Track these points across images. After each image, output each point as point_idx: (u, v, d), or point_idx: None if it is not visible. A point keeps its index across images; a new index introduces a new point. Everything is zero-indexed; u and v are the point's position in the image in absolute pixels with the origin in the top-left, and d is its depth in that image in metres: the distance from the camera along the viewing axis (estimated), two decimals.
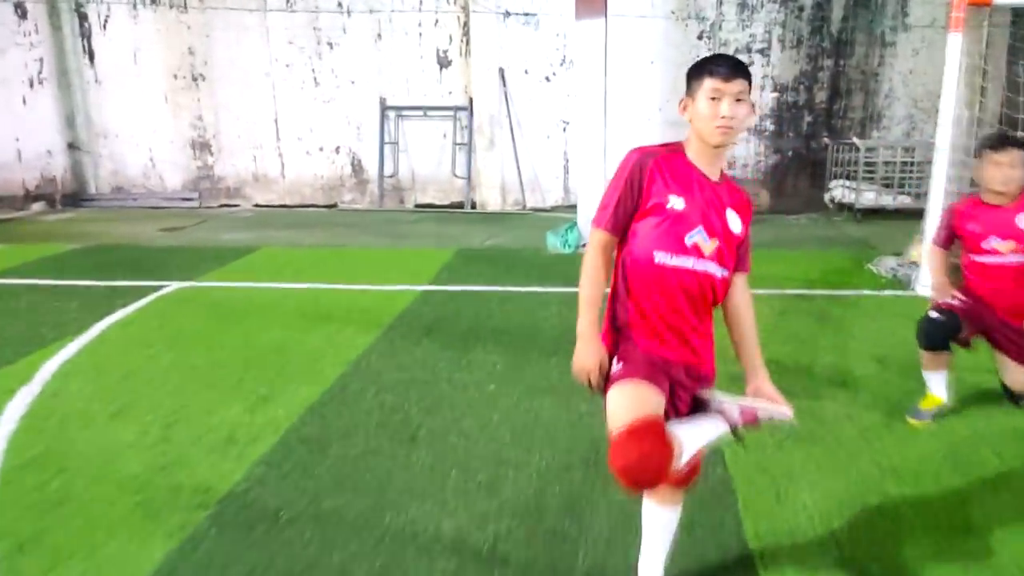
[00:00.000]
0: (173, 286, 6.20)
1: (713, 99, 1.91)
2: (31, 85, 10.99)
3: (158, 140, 11.34)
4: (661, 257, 1.97)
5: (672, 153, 2.02)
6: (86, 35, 11.02)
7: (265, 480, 3.07)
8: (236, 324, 5.17)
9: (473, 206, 10.84)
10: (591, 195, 7.74)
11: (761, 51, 10.31)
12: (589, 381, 1.98)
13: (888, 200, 9.23)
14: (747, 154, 10.67)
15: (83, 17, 10.97)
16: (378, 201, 11.02)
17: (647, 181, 1.97)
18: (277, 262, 7.21)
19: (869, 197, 9.15)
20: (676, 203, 1.96)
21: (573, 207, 9.09)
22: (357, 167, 11.22)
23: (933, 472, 3.08)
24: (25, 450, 3.33)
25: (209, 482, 3.06)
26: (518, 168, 10.81)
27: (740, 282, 2.14)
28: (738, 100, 1.92)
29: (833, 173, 9.99)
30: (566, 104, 10.43)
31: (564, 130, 10.73)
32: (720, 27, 10.20)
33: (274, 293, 6.00)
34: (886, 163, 9.37)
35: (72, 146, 11.33)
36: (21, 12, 10.76)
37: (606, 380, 1.99)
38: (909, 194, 9.33)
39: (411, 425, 3.59)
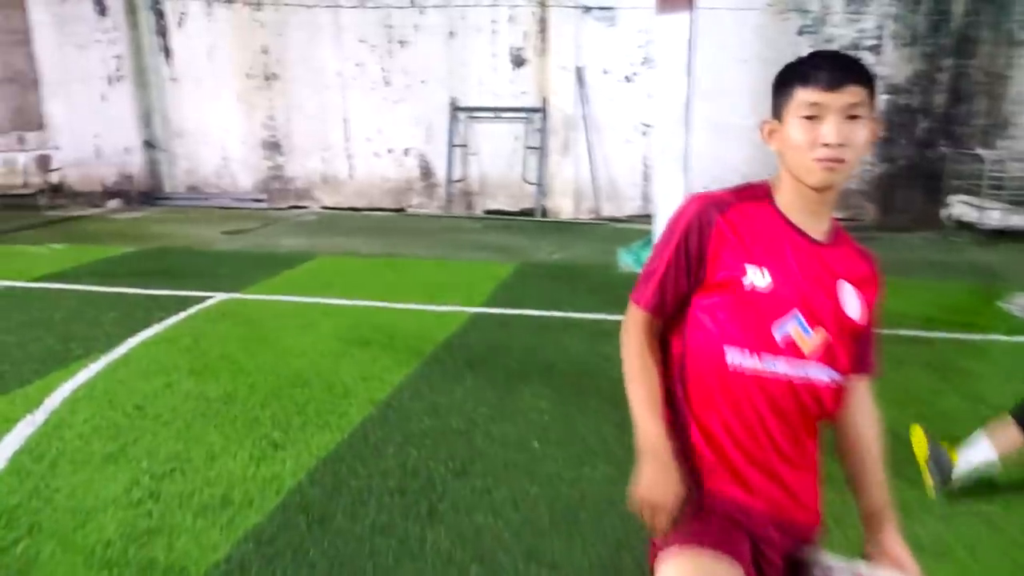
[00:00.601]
0: (217, 298, 5.87)
1: (810, 118, 1.27)
2: (110, 82, 11.10)
3: (231, 139, 11.26)
4: (736, 357, 1.33)
5: (752, 202, 1.38)
6: (163, 32, 11.04)
7: (248, 563, 2.56)
8: (268, 347, 4.75)
9: (544, 214, 10.24)
10: (669, 207, 7.00)
11: (871, 48, 9.23)
12: (653, 520, 1.35)
13: (1019, 221, 8.04)
14: None
15: (160, 14, 10.99)
16: (445, 206, 10.57)
17: (712, 245, 1.34)
18: (329, 273, 6.81)
19: (995, 216, 7.99)
20: (758, 277, 1.33)
21: (651, 217, 8.34)
22: (426, 170, 10.81)
23: None
24: (5, 498, 2.95)
25: (186, 559, 2.59)
26: (593, 174, 10.12)
27: (860, 390, 1.47)
28: (851, 118, 1.26)
29: (952, 187, 8.82)
30: (647, 106, 9.66)
31: (644, 134, 9.96)
32: (825, 21, 9.19)
33: (317, 310, 5.57)
34: (1014, 177, 8.17)
35: (148, 144, 11.40)
36: (101, 9, 10.86)
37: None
38: None
39: (433, 493, 3.02)
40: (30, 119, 11.44)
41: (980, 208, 8.06)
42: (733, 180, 7.31)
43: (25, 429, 3.54)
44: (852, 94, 1.26)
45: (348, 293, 5.99)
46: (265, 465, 3.25)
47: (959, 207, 8.58)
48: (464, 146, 10.48)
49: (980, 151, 8.29)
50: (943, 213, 8.94)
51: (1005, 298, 5.69)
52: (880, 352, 1.50)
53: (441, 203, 10.69)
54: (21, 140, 11.43)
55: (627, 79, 9.92)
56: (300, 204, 11.16)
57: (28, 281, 6.41)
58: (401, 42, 10.43)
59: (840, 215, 10.36)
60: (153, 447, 3.40)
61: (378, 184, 10.95)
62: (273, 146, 11.17)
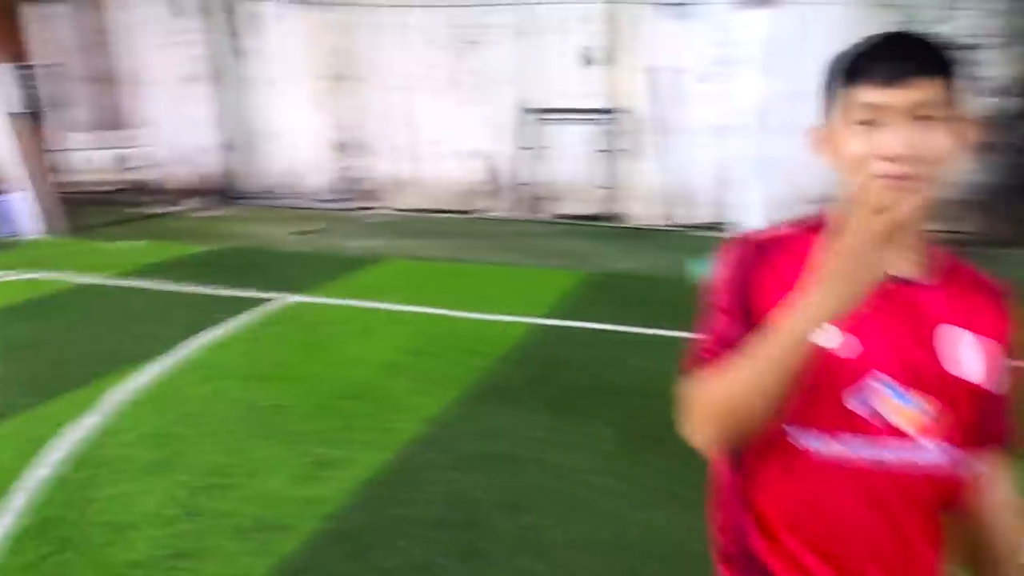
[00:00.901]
0: (280, 300, 5.84)
1: (866, 124, 0.97)
2: (192, 83, 11.39)
3: (304, 140, 11.38)
4: (804, 440, 1.02)
5: (809, 233, 1.06)
6: (241, 34, 11.26)
7: None
8: (324, 354, 4.64)
9: (615, 219, 9.90)
10: (745, 215, 6.58)
11: (970, 47, 8.49)
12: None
13: None
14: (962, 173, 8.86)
15: (237, 16, 11.21)
16: (513, 210, 10.37)
17: (757, 299, 1.04)
18: (393, 277, 6.71)
19: None
20: (822, 334, 1.00)
21: (726, 224, 7.92)
22: (494, 173, 10.63)
23: None
24: (43, 508, 2.91)
25: None
26: (667, 178, 9.71)
27: (992, 471, 1.12)
28: (922, 119, 0.95)
29: None
30: (724, 108, 9.19)
31: (720, 137, 9.48)
32: (918, 17, 8.51)
33: (377, 317, 5.45)
34: None
35: (227, 145, 11.65)
36: (180, 10, 11.16)
37: None
38: None
39: (475, 528, 2.80)
40: (119, 118, 11.88)
41: None
42: (820, 190, 6.77)
43: (75, 434, 3.52)
44: (922, 89, 0.94)
45: (409, 299, 5.85)
46: (307, 485, 3.10)
47: None
48: (533, 148, 10.25)
49: None
50: None
51: None
52: (1018, 417, 1.17)
53: (509, 206, 10.50)
54: (108, 139, 11.89)
55: (703, 79, 9.46)
56: (369, 205, 11.18)
57: (105, 278, 6.56)
58: (471, 42, 10.28)
59: (936, 228, 9.51)
60: (196, 459, 3.31)
61: (446, 186, 10.85)
62: (344, 147, 11.22)
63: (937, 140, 0.95)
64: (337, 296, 5.98)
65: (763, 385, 0.94)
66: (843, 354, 1.00)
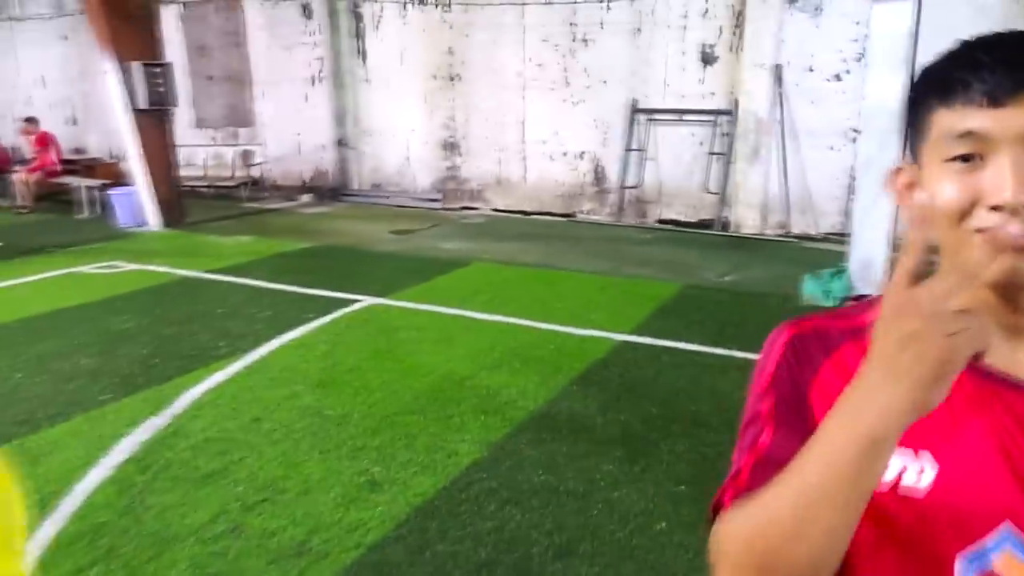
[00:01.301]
0: (365, 301, 5.81)
1: (965, 159, 0.67)
2: (312, 83, 11.76)
3: (414, 139, 11.48)
4: None
5: None
6: (361, 35, 11.49)
7: None
8: (398, 362, 4.53)
9: (725, 227, 9.30)
10: (868, 230, 5.93)
11: None
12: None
13: None
14: None
15: (359, 17, 11.43)
16: (617, 214, 9.98)
17: (813, 405, 0.74)
18: (481, 282, 6.55)
19: None
20: (913, 473, 0.70)
21: (848, 237, 7.21)
22: (600, 175, 10.28)
23: None
24: (94, 514, 2.91)
25: None
26: (786, 184, 9.01)
27: None
28: None
29: None
30: (856, 109, 8.40)
31: (854, 141, 8.68)
32: None
33: (458, 324, 5.30)
34: None
35: (341, 143, 11.95)
36: (307, 13, 11.52)
37: None
38: None
39: (527, 575, 2.55)
40: (242, 116, 12.45)
41: None
42: None
43: (143, 434, 3.56)
44: None
45: (493, 307, 5.66)
46: (355, 508, 2.96)
47: None
48: (643, 150, 9.81)
49: None
50: None
51: None
52: None
53: (613, 210, 10.12)
54: (233, 135, 12.49)
55: (836, 78, 8.70)
56: (472, 205, 11.12)
57: (208, 272, 6.79)
58: (585, 40, 9.97)
59: None
60: (254, 470, 3.25)
61: (550, 188, 10.61)
62: (451, 146, 11.22)
63: None
64: (421, 300, 5.87)
65: (805, 526, 0.61)
66: (945, 499, 0.68)
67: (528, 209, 10.69)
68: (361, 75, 11.67)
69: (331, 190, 11.91)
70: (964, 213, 0.66)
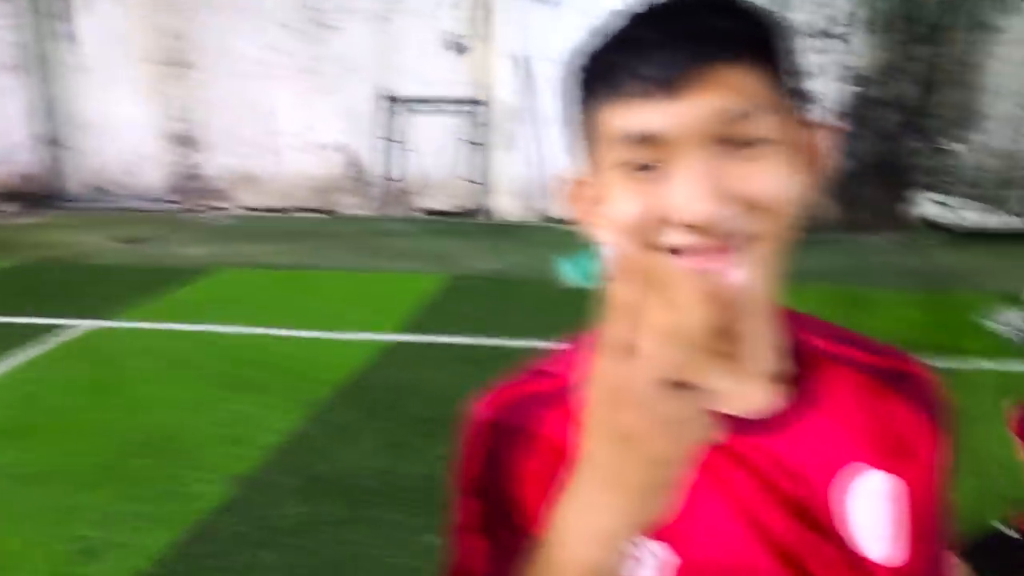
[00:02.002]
0: (82, 326, 4.91)
1: (640, 168, 0.52)
2: (6, 72, 9.92)
3: (141, 134, 10.16)
4: None
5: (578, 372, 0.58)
6: (60, 15, 9.89)
7: None
8: (119, 397, 3.83)
9: (488, 215, 9.41)
10: None
11: (839, 36, 8.59)
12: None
13: (991, 220, 7.49)
14: None
15: None
16: (379, 206, 9.67)
17: (520, 495, 0.58)
18: (227, 291, 5.89)
19: (967, 216, 7.43)
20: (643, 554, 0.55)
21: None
22: (358, 168, 9.88)
23: None
24: None
25: None
26: (541, 172, 9.33)
27: None
28: (731, 142, 0.50)
29: (921, 184, 8.24)
30: None
31: None
32: (788, 5, 8.52)
33: (196, 342, 4.66)
34: (987, 173, 7.61)
35: (47, 140, 10.25)
36: None
37: None
38: (1020, 214, 7.58)
39: None
40: None
41: (951, 207, 7.49)
42: None
43: None
44: (727, 88, 0.49)
45: (242, 318, 5.08)
46: None
47: (929, 206, 8.01)
48: (396, 140, 9.58)
49: (951, 145, 7.71)
50: (912, 213, 8.37)
51: (986, 313, 5.04)
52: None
53: (374, 203, 9.78)
54: None
55: None
56: (218, 205, 10.13)
57: None
58: (330, 27, 9.47)
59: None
60: None
61: (304, 183, 9.98)
62: (187, 141, 10.11)
63: (765, 174, 0.51)
64: (153, 319, 5.11)
65: None
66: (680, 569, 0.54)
67: (282, 206, 9.98)
68: (72, 62, 10.09)
69: (42, 196, 10.18)
70: (651, 231, 0.51)
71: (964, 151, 7.44)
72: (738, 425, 0.54)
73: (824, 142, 0.56)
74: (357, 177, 9.88)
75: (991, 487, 2.66)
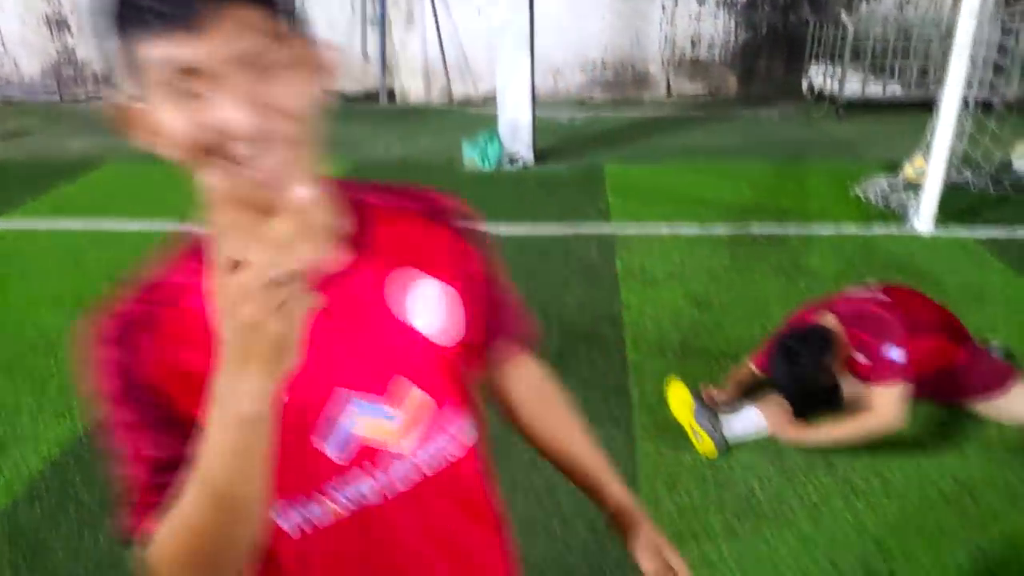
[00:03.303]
0: None
1: (186, 93, 0.61)
2: None
3: (6, 17, 9.26)
4: (289, 521, 0.77)
5: (194, 276, 0.71)
6: None
7: None
8: (17, 293, 3.80)
9: (392, 97, 9.18)
10: (515, 91, 6.26)
11: None
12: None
13: (876, 90, 7.83)
14: (714, 32, 9.04)
15: None
16: None
17: (165, 390, 0.70)
18: (115, 186, 5.68)
19: (853, 87, 7.73)
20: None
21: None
22: None
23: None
24: None
25: None
26: (442, 50, 9.08)
27: (520, 373, 1.00)
28: (265, 68, 0.62)
29: (814, 55, 8.47)
30: None
31: (496, 4, 8.91)
32: None
33: (91, 237, 4.57)
34: (875, 43, 7.87)
35: None
36: None
37: None
38: (903, 83, 7.93)
39: None
40: None
41: (838, 78, 7.77)
42: (594, 56, 6.59)
43: None
44: (240, 24, 0.60)
45: (131, 212, 4.97)
46: None
47: (819, 77, 8.28)
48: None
49: (842, 16, 7.90)
50: (804, 83, 8.65)
51: (858, 181, 5.42)
52: (519, 311, 0.97)
53: None
54: None
55: None
56: (99, 94, 9.49)
57: None
58: None
59: (700, 90, 9.94)
60: None
61: None
62: (60, 24, 9.29)
63: (288, 88, 0.63)
64: (40, 216, 4.95)
65: (229, 515, 0.63)
66: (297, 394, 0.67)
67: None
68: None
69: None
70: (208, 147, 0.61)
71: (852, 21, 7.66)
72: (322, 283, 0.67)
73: (326, 59, 0.69)
74: None
75: None
